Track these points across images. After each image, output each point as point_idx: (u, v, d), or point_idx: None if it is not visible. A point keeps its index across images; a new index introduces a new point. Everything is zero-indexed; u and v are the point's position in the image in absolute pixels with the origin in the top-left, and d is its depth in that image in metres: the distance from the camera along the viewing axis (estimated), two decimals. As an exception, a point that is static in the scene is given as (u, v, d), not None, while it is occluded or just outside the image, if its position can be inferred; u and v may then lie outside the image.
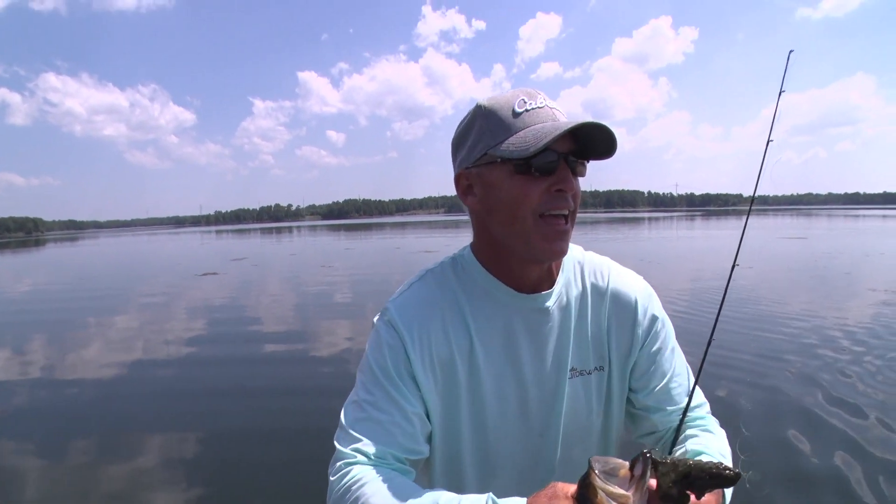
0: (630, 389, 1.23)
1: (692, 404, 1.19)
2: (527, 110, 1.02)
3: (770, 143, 1.30)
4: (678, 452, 1.10)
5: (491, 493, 0.88)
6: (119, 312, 11.18)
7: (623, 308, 1.20)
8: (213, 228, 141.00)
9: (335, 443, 1.04)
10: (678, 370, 1.22)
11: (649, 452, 0.75)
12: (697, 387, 1.22)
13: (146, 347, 7.96)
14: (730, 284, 1.31)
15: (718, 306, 1.31)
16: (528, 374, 1.14)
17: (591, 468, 0.75)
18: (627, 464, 0.76)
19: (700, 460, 0.75)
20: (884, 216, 64.47)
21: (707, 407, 1.24)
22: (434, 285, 1.16)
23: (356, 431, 1.03)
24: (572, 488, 0.79)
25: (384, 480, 0.95)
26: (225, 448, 4.51)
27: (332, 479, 1.00)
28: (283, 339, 8.35)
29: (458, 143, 1.12)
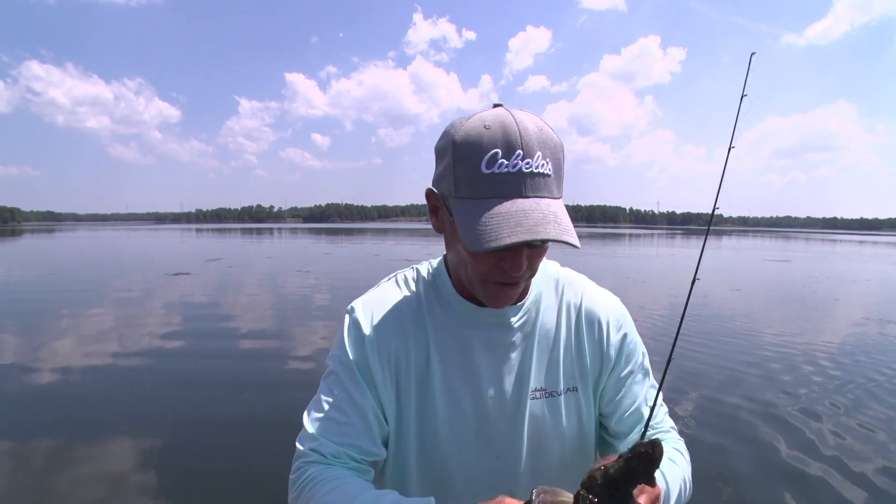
0: (601, 415, 1.18)
1: (655, 422, 1.14)
2: (494, 172, 0.88)
3: (732, 149, 1.23)
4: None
5: (433, 498, 0.89)
6: (79, 310, 10.78)
7: (594, 328, 1.15)
8: (194, 226, 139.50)
9: (296, 442, 1.04)
10: (650, 393, 1.17)
11: (588, 492, 0.71)
12: (663, 407, 1.19)
13: (103, 347, 7.60)
14: (689, 302, 1.21)
15: (678, 324, 1.21)
16: (487, 390, 1.09)
17: (531, 498, 0.74)
18: (572, 498, 0.73)
19: (613, 464, 0.70)
20: (860, 242, 66.48)
21: (670, 423, 1.19)
22: (401, 288, 1.15)
23: (315, 431, 1.02)
24: None
25: (335, 479, 0.95)
26: (185, 450, 4.47)
27: (291, 477, 1.01)
28: (249, 344, 8.14)
29: (436, 156, 1.00)
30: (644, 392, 1.16)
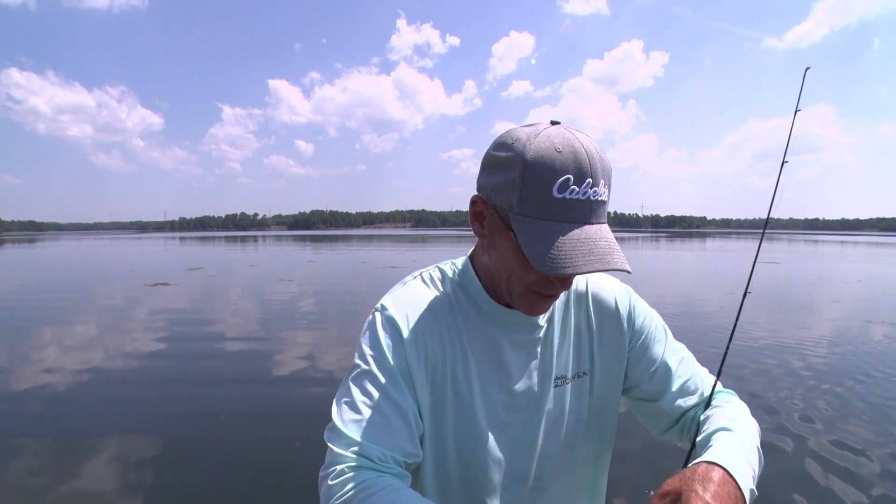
0: (633, 386, 1.23)
1: (703, 390, 1.22)
2: (566, 198, 0.91)
3: (785, 163, 1.34)
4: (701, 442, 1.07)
5: None
6: (48, 323, 10.33)
7: (605, 310, 1.21)
8: (178, 235, 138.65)
9: (330, 444, 0.99)
10: (673, 349, 1.24)
11: None
12: (707, 374, 1.25)
13: (70, 362, 7.18)
14: (740, 314, 1.36)
15: (731, 332, 1.34)
16: (517, 386, 1.13)
17: None
18: None
19: None
20: (841, 242, 67.65)
21: (719, 387, 1.23)
22: (430, 287, 1.15)
23: (355, 433, 0.98)
24: None
25: (394, 490, 0.92)
26: (160, 467, 4.26)
27: (330, 483, 0.95)
28: (226, 355, 7.85)
29: (488, 165, 1.01)
30: (665, 347, 1.23)
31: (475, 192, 1.05)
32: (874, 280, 19.03)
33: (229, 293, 15.22)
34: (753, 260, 1.33)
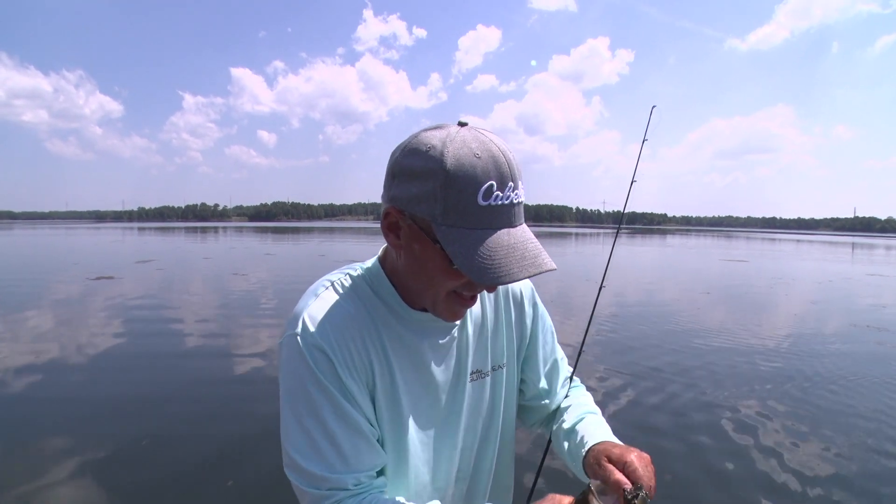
0: (523, 381, 1.32)
1: (564, 380, 1.36)
2: (491, 205, 0.90)
3: (634, 183, 1.47)
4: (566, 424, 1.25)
5: None
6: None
7: (515, 305, 1.27)
8: (136, 225, 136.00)
9: (303, 488, 0.99)
10: (557, 349, 1.36)
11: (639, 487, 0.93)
12: (568, 365, 1.39)
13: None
14: (597, 306, 1.50)
15: (586, 327, 1.55)
16: (437, 384, 1.15)
17: (589, 488, 0.90)
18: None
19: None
20: (797, 241, 69.12)
21: (570, 379, 1.37)
22: (344, 297, 1.10)
23: (322, 469, 0.98)
24: (567, 500, 0.92)
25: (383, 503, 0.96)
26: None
27: None
28: (162, 359, 7.26)
29: (400, 174, 0.96)
30: (554, 348, 1.35)
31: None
32: (844, 281, 19.06)
33: (176, 289, 14.49)
34: (608, 258, 1.46)
